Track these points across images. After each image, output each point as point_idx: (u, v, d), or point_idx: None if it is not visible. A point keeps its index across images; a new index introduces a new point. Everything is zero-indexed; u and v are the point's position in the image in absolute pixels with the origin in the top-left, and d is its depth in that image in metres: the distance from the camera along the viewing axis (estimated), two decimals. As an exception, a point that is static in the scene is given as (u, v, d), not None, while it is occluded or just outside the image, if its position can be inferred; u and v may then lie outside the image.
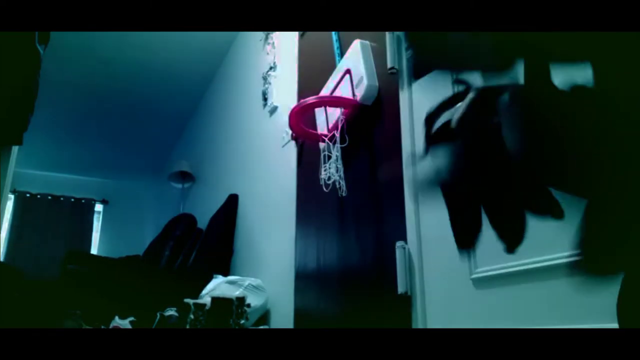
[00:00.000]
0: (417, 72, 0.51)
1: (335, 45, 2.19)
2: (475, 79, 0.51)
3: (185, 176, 4.80)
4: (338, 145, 1.90)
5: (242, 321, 2.17)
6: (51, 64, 2.66)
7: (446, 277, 1.38)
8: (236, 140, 3.63)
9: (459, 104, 0.50)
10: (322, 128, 2.10)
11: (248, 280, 2.51)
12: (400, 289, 1.49)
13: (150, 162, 6.25)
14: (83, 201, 6.60)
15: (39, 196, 6.38)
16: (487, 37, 0.43)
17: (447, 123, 0.50)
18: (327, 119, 2.04)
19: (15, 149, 2.07)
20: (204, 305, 2.17)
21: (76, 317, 2.61)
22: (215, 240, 3.32)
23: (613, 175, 0.40)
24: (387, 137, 1.74)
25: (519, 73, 0.46)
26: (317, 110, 2.14)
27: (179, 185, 4.92)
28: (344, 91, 1.93)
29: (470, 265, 1.29)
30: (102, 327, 2.68)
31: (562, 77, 0.43)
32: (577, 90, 0.41)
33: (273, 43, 3.07)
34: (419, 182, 0.52)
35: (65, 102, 4.75)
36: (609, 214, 0.40)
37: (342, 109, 1.93)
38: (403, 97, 1.67)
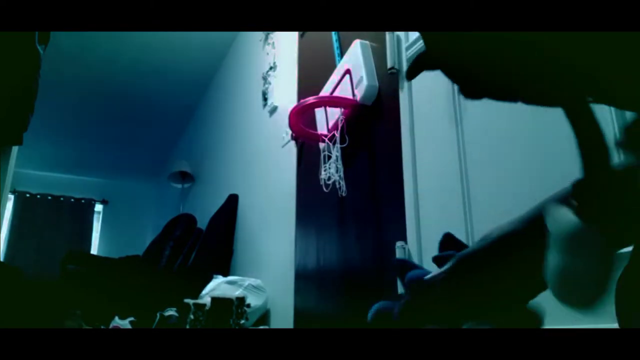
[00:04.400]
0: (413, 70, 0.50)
1: (335, 45, 2.19)
2: None
3: (185, 176, 4.80)
4: (338, 145, 1.90)
5: (242, 321, 2.17)
6: (51, 64, 2.66)
7: (446, 277, 1.38)
8: (236, 140, 3.63)
9: None
10: (322, 128, 2.10)
11: (248, 281, 2.51)
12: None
13: (150, 162, 6.24)
14: (83, 201, 6.60)
15: (39, 196, 6.38)
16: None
17: None
18: (327, 119, 2.04)
19: (15, 149, 2.07)
20: (204, 305, 2.17)
21: (76, 317, 2.61)
22: (215, 241, 3.32)
23: None
24: (387, 137, 1.74)
25: None
26: (317, 110, 2.14)
27: (179, 185, 4.92)
28: (344, 91, 1.93)
29: (470, 265, 1.29)
30: (102, 327, 2.68)
31: None
32: None
33: (273, 43, 3.07)
34: None
35: (65, 102, 4.75)
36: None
37: (342, 109, 1.93)
38: (403, 97, 1.67)
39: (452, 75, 0.44)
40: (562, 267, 0.43)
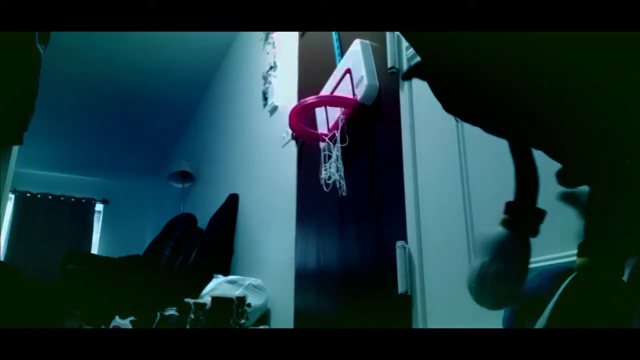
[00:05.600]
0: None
1: (335, 45, 2.19)
2: None
3: (185, 176, 4.80)
4: (338, 144, 1.90)
5: (242, 321, 2.17)
6: (51, 64, 2.66)
7: (446, 277, 1.38)
8: (236, 140, 3.63)
9: None
10: (322, 128, 2.10)
11: (248, 280, 2.51)
12: (401, 288, 1.49)
13: (150, 162, 6.24)
14: (83, 201, 6.60)
15: (39, 196, 6.37)
16: None
17: None
18: (327, 118, 2.04)
19: (15, 148, 2.07)
20: (204, 305, 2.17)
21: (76, 317, 2.61)
22: (216, 240, 3.32)
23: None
24: (387, 137, 1.74)
25: None
26: (317, 109, 2.14)
27: (179, 185, 4.92)
28: (344, 91, 1.93)
29: (471, 265, 1.29)
30: (102, 327, 2.68)
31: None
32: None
33: (273, 43, 3.07)
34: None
35: (65, 102, 4.75)
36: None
37: (342, 109, 1.93)
38: (403, 96, 1.67)
39: (433, 89, 0.51)
40: (483, 269, 0.57)
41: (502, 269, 0.56)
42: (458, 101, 0.49)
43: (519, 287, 0.58)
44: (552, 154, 0.49)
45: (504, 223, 0.58)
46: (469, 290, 0.61)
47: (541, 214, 0.58)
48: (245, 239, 3.13)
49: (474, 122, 0.51)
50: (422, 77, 0.52)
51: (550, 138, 0.47)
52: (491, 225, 0.62)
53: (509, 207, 0.58)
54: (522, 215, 0.57)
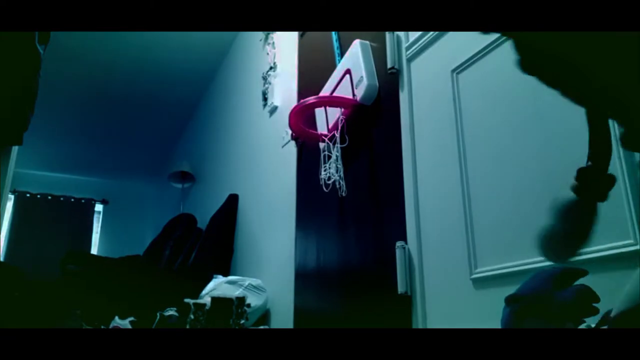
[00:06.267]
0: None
1: (335, 45, 2.19)
2: None
3: (185, 176, 4.80)
4: (338, 145, 1.90)
5: (242, 321, 2.17)
6: (51, 64, 2.66)
7: (446, 277, 1.38)
8: (236, 140, 3.63)
9: None
10: (322, 128, 2.10)
11: (248, 280, 2.51)
12: (400, 289, 1.49)
13: (150, 162, 6.24)
14: (83, 201, 6.60)
15: (39, 196, 6.37)
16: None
17: None
18: (327, 119, 2.04)
19: (15, 149, 2.07)
20: (204, 305, 2.17)
21: (76, 317, 2.61)
22: (216, 240, 3.32)
23: None
24: (387, 137, 1.74)
25: None
26: (317, 110, 2.14)
27: (179, 185, 4.92)
28: (344, 91, 1.93)
29: (470, 265, 1.29)
30: (102, 327, 2.68)
31: None
32: None
33: (273, 43, 3.07)
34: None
35: (65, 102, 4.75)
36: None
37: (342, 109, 1.94)
38: (403, 97, 1.67)
39: (520, 46, 0.49)
40: (553, 229, 0.59)
41: (569, 231, 0.60)
42: (542, 62, 0.48)
43: (582, 247, 0.60)
44: (618, 117, 0.49)
45: (575, 190, 0.59)
46: (542, 252, 0.64)
47: (612, 180, 0.59)
48: (245, 239, 3.13)
49: (554, 85, 0.50)
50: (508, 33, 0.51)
51: (619, 104, 0.47)
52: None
53: (581, 173, 0.59)
54: (594, 182, 0.59)
